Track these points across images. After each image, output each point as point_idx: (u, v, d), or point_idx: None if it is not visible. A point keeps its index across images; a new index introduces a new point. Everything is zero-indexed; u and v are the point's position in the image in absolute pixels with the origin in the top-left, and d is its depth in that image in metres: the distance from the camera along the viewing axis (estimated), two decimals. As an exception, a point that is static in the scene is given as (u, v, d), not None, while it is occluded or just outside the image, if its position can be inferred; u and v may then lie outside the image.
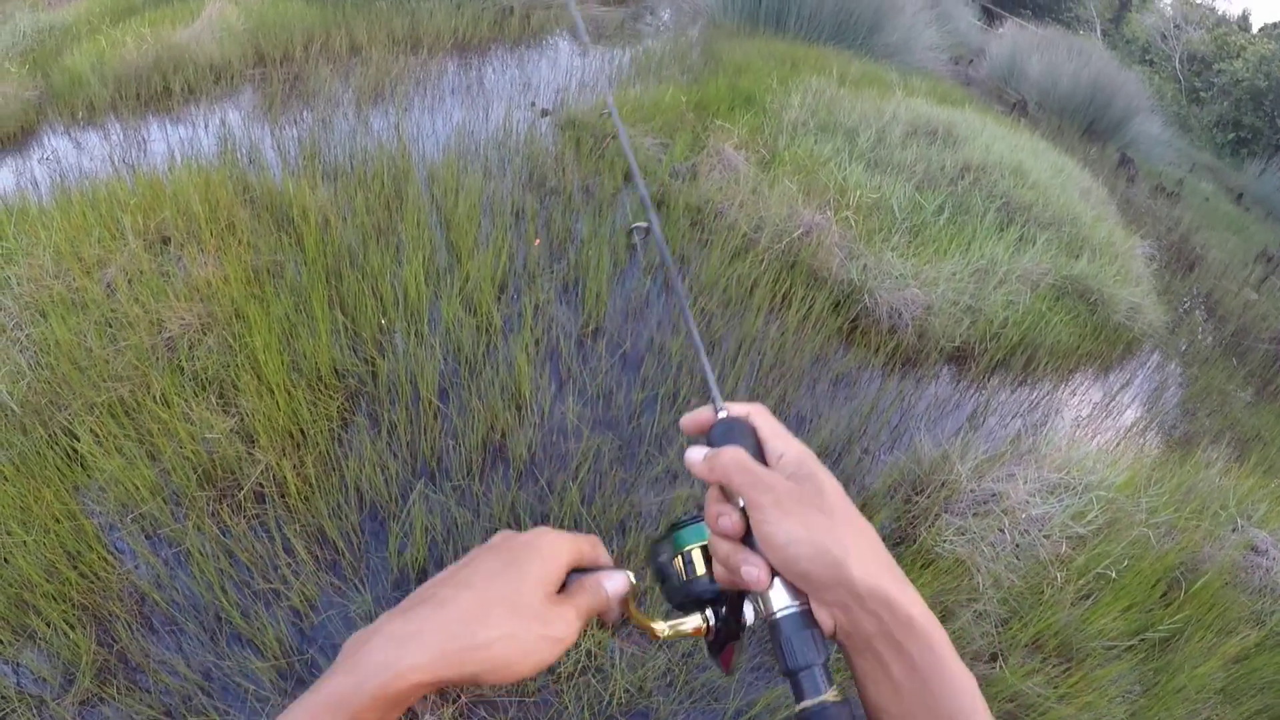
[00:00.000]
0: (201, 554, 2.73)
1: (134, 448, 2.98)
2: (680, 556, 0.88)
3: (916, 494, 3.94)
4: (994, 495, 3.97)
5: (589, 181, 5.47)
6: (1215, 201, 15.10)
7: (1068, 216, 7.41)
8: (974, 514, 3.87)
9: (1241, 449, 6.18)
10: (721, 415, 0.87)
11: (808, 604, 0.75)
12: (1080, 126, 13.41)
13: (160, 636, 2.65)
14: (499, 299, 4.11)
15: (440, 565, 2.91)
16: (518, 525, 3.09)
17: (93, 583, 2.66)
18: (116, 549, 2.80)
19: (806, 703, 0.73)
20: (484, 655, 0.69)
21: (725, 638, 0.86)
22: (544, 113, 6.55)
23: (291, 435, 3.16)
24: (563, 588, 0.80)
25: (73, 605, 2.61)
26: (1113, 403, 5.97)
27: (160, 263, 3.85)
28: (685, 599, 0.88)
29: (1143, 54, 25.22)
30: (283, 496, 2.98)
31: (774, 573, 0.76)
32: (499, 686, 0.64)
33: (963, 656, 2.62)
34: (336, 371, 3.47)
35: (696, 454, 0.83)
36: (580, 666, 2.73)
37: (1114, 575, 3.78)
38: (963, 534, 3.73)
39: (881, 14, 11.56)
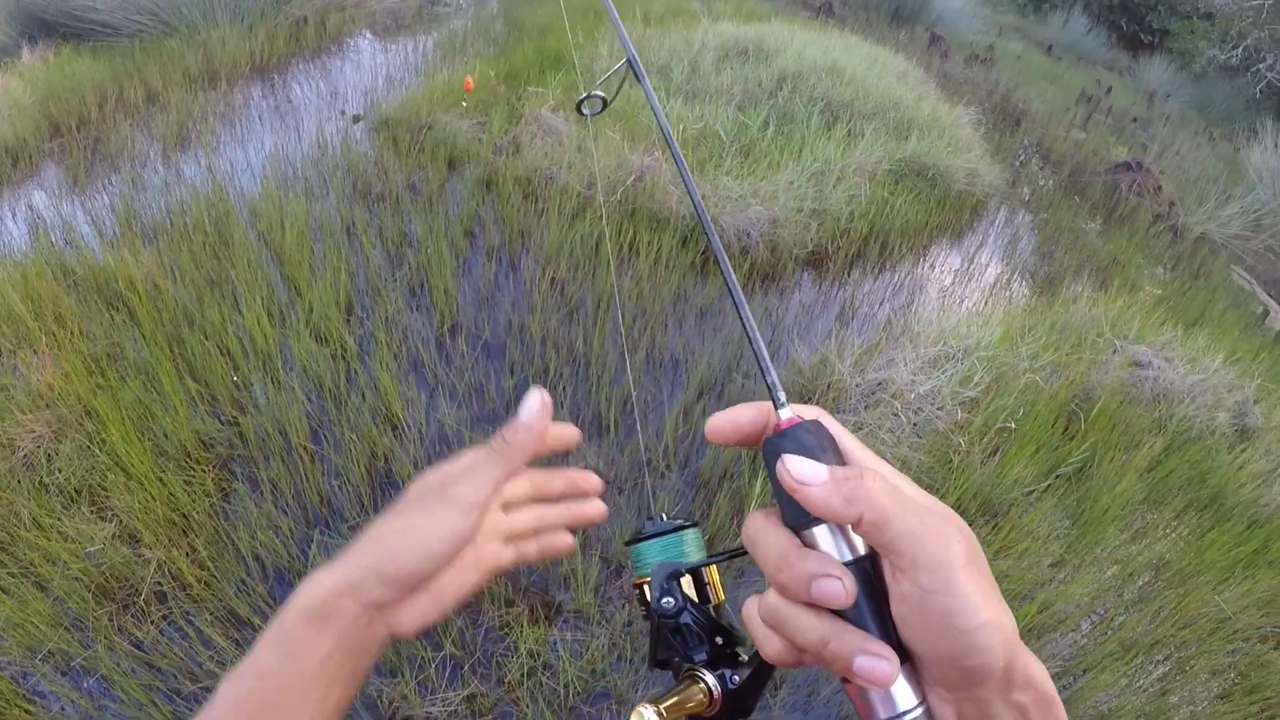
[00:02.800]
0: (121, 674, 2.64)
1: (20, 585, 2.86)
2: (647, 588, 0.71)
3: (805, 403, 4.00)
4: (880, 384, 4.08)
5: (414, 178, 5.40)
6: (1027, 58, 15.69)
7: (890, 103, 7.62)
8: (865, 407, 3.99)
9: (1103, 276, 6.46)
10: (786, 414, 0.60)
11: (925, 700, 0.54)
12: (886, 15, 13.80)
13: (102, 769, 2.58)
14: (348, 322, 4.04)
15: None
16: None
17: (22, 736, 2.57)
18: (37, 694, 2.67)
19: None
20: (382, 545, 0.68)
21: (735, 713, 0.67)
22: (355, 119, 6.43)
23: (174, 523, 3.06)
24: None
25: (7, 765, 2.52)
26: (973, 265, 6.18)
27: (-5, 378, 3.71)
28: (669, 649, 0.70)
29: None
30: (184, 589, 2.89)
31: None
32: (410, 573, 0.58)
33: None
34: (203, 443, 3.37)
35: (812, 472, 0.55)
36: (527, 669, 2.75)
37: (1014, 426, 3.97)
38: (859, 428, 3.84)
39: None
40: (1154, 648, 3.34)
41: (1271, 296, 8.24)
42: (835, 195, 5.86)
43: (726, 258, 0.61)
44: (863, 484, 0.53)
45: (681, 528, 0.75)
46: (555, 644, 2.85)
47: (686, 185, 0.60)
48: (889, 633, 0.53)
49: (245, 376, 3.68)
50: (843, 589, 0.52)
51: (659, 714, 0.62)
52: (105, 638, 2.74)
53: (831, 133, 6.79)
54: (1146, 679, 3.24)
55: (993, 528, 3.57)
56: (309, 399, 3.61)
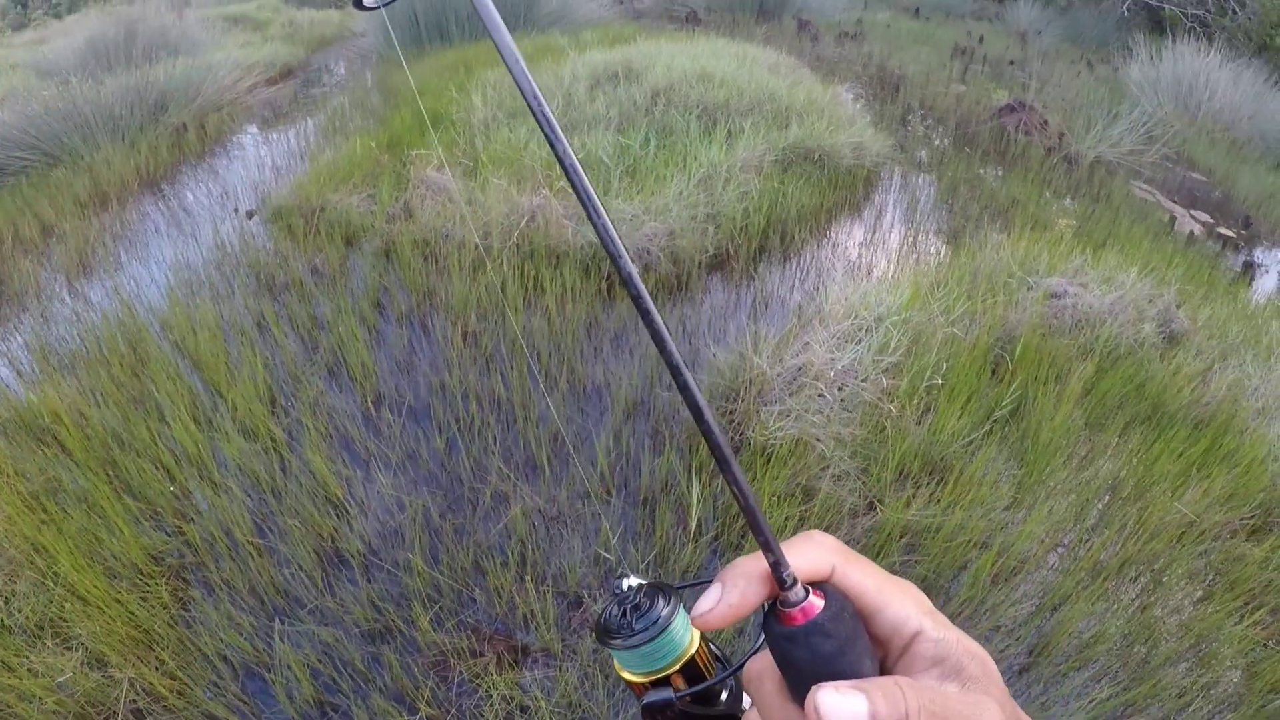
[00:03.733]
0: None
1: (-4, 732, 2.94)
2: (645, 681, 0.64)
3: (731, 402, 4.10)
4: (799, 369, 4.15)
5: (314, 261, 5.49)
6: (896, 25, 16.02)
7: (765, 96, 7.81)
8: (790, 394, 4.02)
9: (1005, 219, 6.63)
10: (796, 595, 0.54)
11: None
12: (752, 13, 13.96)
13: None
14: (273, 413, 4.12)
15: (331, 691, 2.98)
16: (383, 617, 3.17)
17: None
18: None
19: None
20: None
21: None
22: (249, 214, 6.51)
23: (138, 640, 3.10)
24: None
25: None
26: (875, 236, 6.34)
27: (-65, 534, 3.74)
28: None
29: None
30: (158, 702, 2.94)
31: None
32: None
33: (842, 517, 2.86)
34: (152, 557, 3.42)
35: (850, 705, 0.48)
36: (504, 715, 2.81)
37: (940, 381, 4.03)
38: (787, 415, 3.89)
39: (531, -9, 11.79)
40: (1124, 566, 3.42)
41: (1175, 203, 8.52)
42: (727, 196, 6.02)
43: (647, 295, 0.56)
44: (906, 701, 0.48)
45: (665, 624, 0.63)
46: (527, 685, 2.91)
47: (583, 197, 0.54)
48: None
49: (182, 485, 3.74)
50: None
51: None
52: (91, 766, 2.79)
53: (712, 136, 6.96)
54: (1124, 598, 3.31)
55: (939, 483, 3.64)
56: (248, 495, 3.68)
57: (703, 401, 0.56)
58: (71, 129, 8.70)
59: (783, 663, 0.54)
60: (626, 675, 0.64)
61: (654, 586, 0.66)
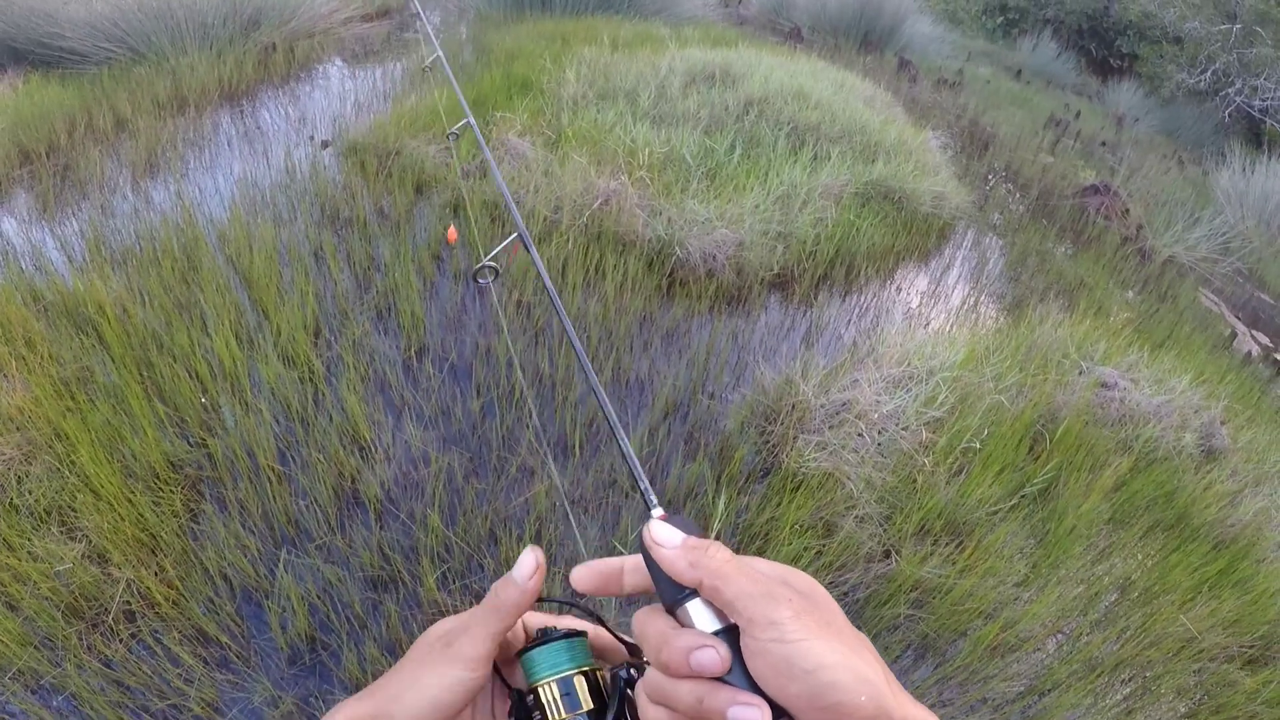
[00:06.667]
0: (90, 692, 2.65)
1: (-10, 604, 2.90)
2: (552, 686, 0.71)
3: (770, 424, 4.05)
4: (844, 404, 4.10)
5: (381, 203, 5.45)
6: (996, 82, 15.76)
7: (856, 127, 7.69)
8: (830, 427, 3.98)
9: (1070, 299, 6.52)
10: (658, 513, 0.69)
11: None
12: (855, 41, 13.85)
13: (68, 786, 2.58)
14: (315, 345, 4.07)
15: (325, 630, 2.93)
16: (389, 566, 3.12)
17: (-9, 755, 2.58)
18: (6, 713, 2.69)
19: None
20: (383, 693, 0.70)
21: None
22: (324, 144, 6.48)
23: (143, 543, 3.07)
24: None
25: (-24, 786, 2.53)
26: (939, 288, 6.24)
27: (-36, 400, 3.72)
28: None
29: (902, -40, 25.94)
30: (152, 608, 2.91)
31: (775, 712, 0.59)
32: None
33: (856, 561, 2.80)
34: (171, 464, 3.39)
35: (668, 535, 0.65)
36: None
37: (978, 446, 3.97)
38: (823, 448, 3.83)
39: (641, -27, 11.69)
40: (1119, 667, 3.36)
41: (1239, 319, 8.35)
42: (801, 218, 5.93)
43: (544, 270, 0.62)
44: (706, 553, 0.62)
45: (572, 634, 0.74)
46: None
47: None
48: (759, 690, 0.58)
49: (214, 399, 3.70)
50: (717, 656, 0.59)
51: None
52: (74, 656, 2.75)
53: (798, 156, 6.87)
54: (1112, 699, 3.26)
55: (957, 546, 3.59)
56: (277, 421, 3.64)
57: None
58: (161, 29, 8.69)
59: (647, 558, 0.66)
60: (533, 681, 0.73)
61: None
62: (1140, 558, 3.93)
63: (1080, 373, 4.95)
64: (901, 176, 7.03)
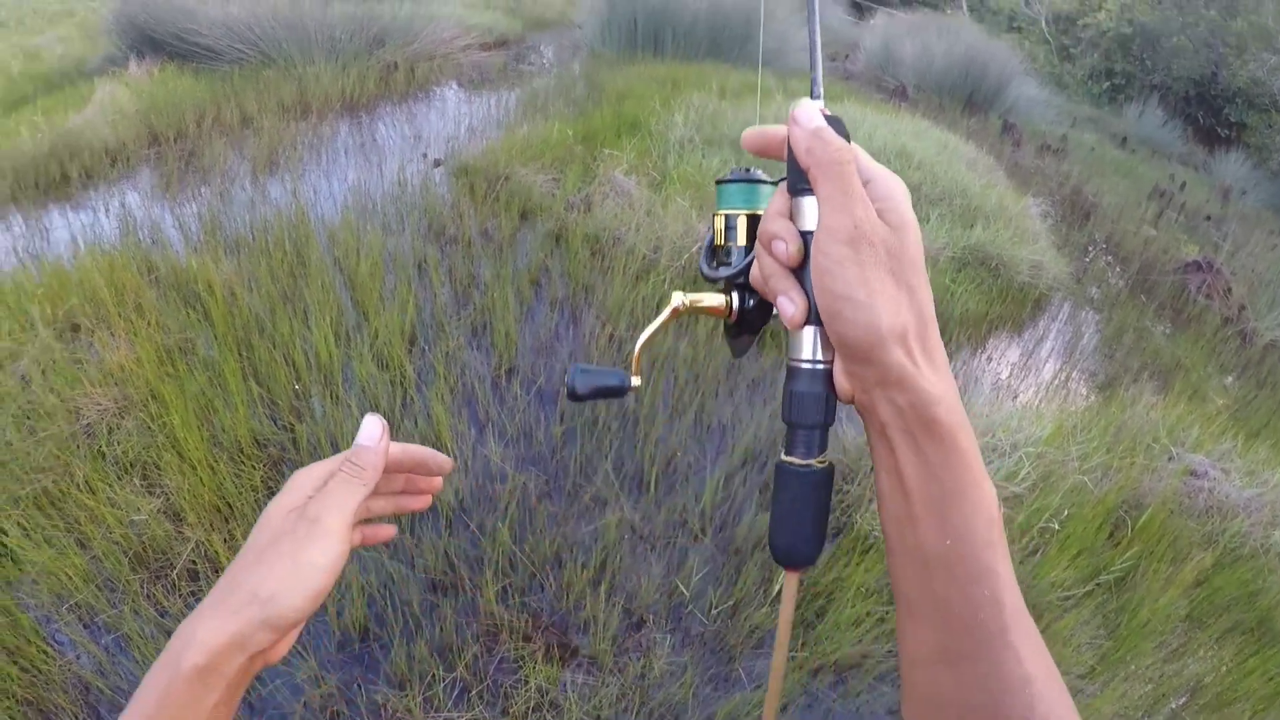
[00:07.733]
0: (141, 637, 2.74)
1: (63, 537, 2.98)
2: (722, 217, 0.79)
3: (847, 482, 3.97)
4: (924, 471, 4.04)
5: (487, 225, 5.55)
6: (1101, 150, 15.37)
7: (957, 189, 7.63)
8: None
9: (1165, 380, 6.31)
10: (813, 101, 0.71)
11: (831, 363, 0.68)
12: (960, 102, 13.66)
13: (109, 726, 2.66)
14: (410, 351, 4.16)
15: (379, 623, 2.97)
16: (453, 573, 3.16)
17: (34, 676, 2.66)
18: (55, 641, 2.79)
19: (786, 458, 0.71)
20: (257, 598, 0.68)
21: (744, 329, 0.81)
22: (436, 163, 6.63)
23: (219, 509, 3.18)
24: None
25: (16, 700, 2.61)
26: (1030, 360, 6.11)
27: (72, 350, 3.85)
28: (713, 272, 0.79)
29: (1010, 22, 25.56)
30: (216, 572, 2.98)
31: (810, 315, 0.67)
32: (300, 616, 0.58)
33: None
34: (257, 441, 3.49)
35: (808, 114, 0.68)
36: (533, 704, 2.77)
37: (1057, 526, 3.85)
38: None
39: (752, 24, 11.81)
40: None
41: (1342, 413, 8.06)
42: (896, 280, 5.88)
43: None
44: (827, 148, 0.65)
45: (764, 180, 0.79)
46: (565, 685, 2.87)
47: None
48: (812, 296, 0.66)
49: (306, 387, 3.80)
50: (785, 249, 0.67)
51: (685, 300, 0.78)
52: (133, 601, 2.85)
53: (896, 217, 6.84)
54: None
55: None
56: (362, 417, 3.69)
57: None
58: (291, 38, 9.09)
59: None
60: (719, 209, 0.80)
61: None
62: (1215, 660, 3.75)
63: (1170, 459, 4.77)
64: (1000, 243, 6.94)
